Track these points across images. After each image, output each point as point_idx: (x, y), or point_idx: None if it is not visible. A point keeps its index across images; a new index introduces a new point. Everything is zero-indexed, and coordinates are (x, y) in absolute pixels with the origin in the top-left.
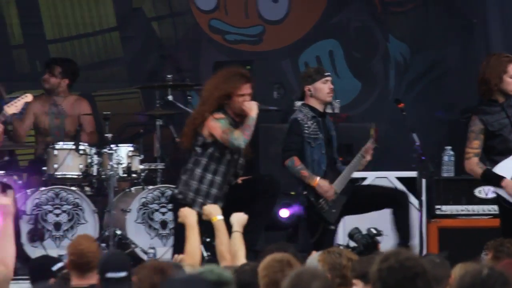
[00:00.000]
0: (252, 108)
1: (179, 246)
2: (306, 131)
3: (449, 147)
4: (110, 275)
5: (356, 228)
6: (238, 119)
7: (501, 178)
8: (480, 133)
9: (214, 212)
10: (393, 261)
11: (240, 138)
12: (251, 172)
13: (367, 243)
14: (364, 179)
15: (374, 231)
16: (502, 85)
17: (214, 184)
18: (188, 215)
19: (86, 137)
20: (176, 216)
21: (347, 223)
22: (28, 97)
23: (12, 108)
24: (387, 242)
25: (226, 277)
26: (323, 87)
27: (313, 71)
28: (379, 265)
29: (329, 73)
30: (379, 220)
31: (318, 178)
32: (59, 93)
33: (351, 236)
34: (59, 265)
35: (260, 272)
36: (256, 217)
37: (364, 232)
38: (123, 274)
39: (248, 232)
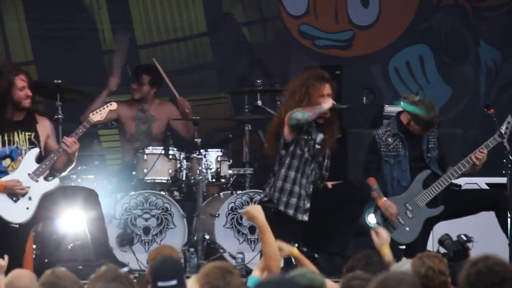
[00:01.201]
0: (327, 102)
1: None
2: (384, 149)
3: None
4: (161, 284)
5: (447, 235)
6: (320, 121)
7: None
8: None
9: (258, 213)
10: (481, 265)
11: (299, 112)
12: (341, 177)
13: (457, 249)
14: (459, 185)
15: (464, 238)
16: None
17: (296, 182)
18: (257, 215)
19: (184, 131)
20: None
21: (437, 230)
22: (113, 105)
23: (97, 115)
24: (478, 249)
25: (318, 282)
26: (419, 132)
27: (426, 120)
28: (468, 269)
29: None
30: (470, 226)
31: (384, 199)
32: (147, 101)
33: (441, 242)
34: (125, 269)
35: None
36: (345, 222)
37: (454, 238)
38: (173, 282)
39: (338, 237)
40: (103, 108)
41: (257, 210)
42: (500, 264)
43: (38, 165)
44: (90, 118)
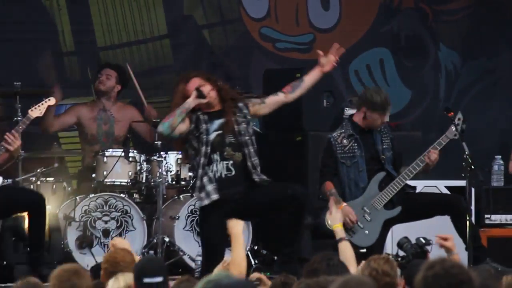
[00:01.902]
0: (191, 94)
1: (207, 255)
2: (339, 151)
3: (499, 156)
4: (147, 280)
5: (405, 238)
6: (209, 109)
7: None
8: None
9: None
10: (438, 268)
11: (159, 126)
12: (301, 180)
13: (416, 252)
14: (414, 187)
15: (423, 241)
16: None
17: (204, 177)
18: (235, 225)
19: (148, 135)
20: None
21: (395, 232)
22: (51, 101)
23: (36, 111)
24: (435, 252)
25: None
26: (378, 120)
27: (380, 102)
28: (425, 272)
29: (389, 112)
30: (428, 229)
31: (343, 204)
32: (110, 98)
33: (400, 245)
34: None
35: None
36: (293, 227)
37: (413, 241)
38: (159, 279)
39: (289, 241)
40: (42, 104)
41: (234, 221)
42: (457, 267)
43: None
44: (29, 115)
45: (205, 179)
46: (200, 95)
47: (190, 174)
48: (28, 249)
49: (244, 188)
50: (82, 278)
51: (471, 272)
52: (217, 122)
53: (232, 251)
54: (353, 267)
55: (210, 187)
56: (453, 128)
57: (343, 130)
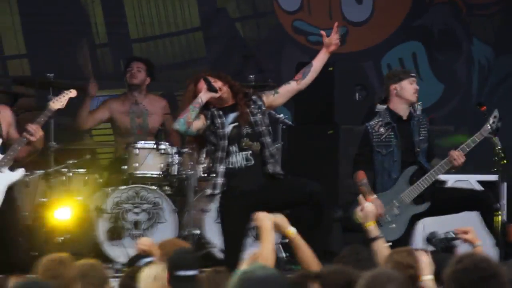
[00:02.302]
0: (203, 90)
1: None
2: (376, 139)
3: None
4: (181, 273)
5: (434, 232)
6: (222, 105)
7: None
8: None
9: (283, 224)
10: (467, 262)
11: (175, 124)
12: (333, 173)
13: (445, 247)
14: (444, 182)
15: (452, 235)
16: None
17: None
18: (263, 219)
19: (171, 136)
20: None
21: (427, 226)
22: (73, 93)
23: (57, 103)
24: (465, 246)
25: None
26: (409, 87)
27: (400, 70)
28: (454, 266)
29: (415, 74)
30: (458, 223)
31: (372, 196)
32: (142, 91)
33: (429, 240)
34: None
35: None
36: (312, 226)
37: (442, 236)
38: (194, 272)
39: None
40: (63, 96)
41: (265, 215)
42: (486, 261)
43: (2, 156)
44: (51, 107)
45: (219, 171)
46: (211, 88)
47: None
48: None
49: (264, 180)
50: (67, 267)
51: (500, 267)
52: (232, 115)
53: (261, 244)
54: None
55: (219, 180)
56: (488, 126)
57: (381, 119)
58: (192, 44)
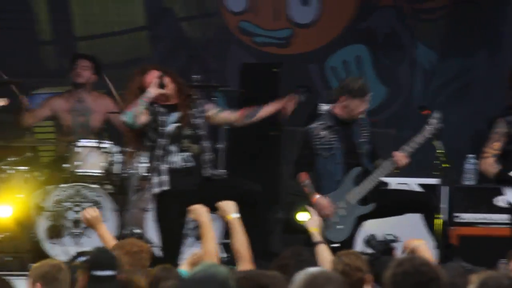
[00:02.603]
0: (152, 84)
1: (166, 245)
2: (317, 142)
3: (472, 155)
4: (97, 273)
5: (372, 235)
6: (168, 102)
7: None
8: (503, 136)
9: (229, 210)
10: (408, 265)
11: (122, 116)
12: (275, 175)
13: (383, 249)
14: (386, 184)
15: (390, 237)
16: None
17: (156, 169)
18: (202, 213)
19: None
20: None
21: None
22: (3, 101)
23: None
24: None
25: (222, 274)
26: (359, 107)
27: (359, 87)
28: (394, 269)
29: (370, 94)
30: (396, 226)
31: (317, 196)
32: (86, 89)
33: (367, 242)
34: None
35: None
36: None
37: (380, 238)
38: (110, 272)
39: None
40: None
41: (202, 209)
42: (426, 265)
43: None
44: None
45: (161, 169)
46: (161, 84)
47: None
48: None
49: (201, 181)
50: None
51: (439, 270)
52: (175, 115)
53: (203, 242)
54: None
55: (164, 178)
56: (429, 128)
57: (322, 122)
58: (137, 43)
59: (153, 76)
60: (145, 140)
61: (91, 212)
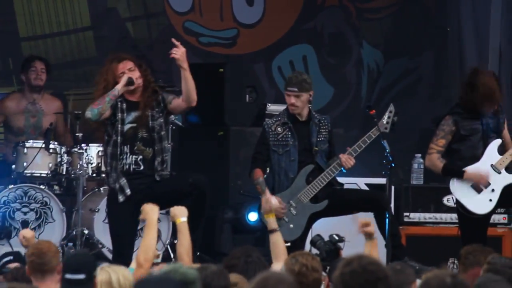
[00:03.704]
0: (121, 80)
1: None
2: (272, 139)
3: (419, 155)
4: (68, 276)
5: (318, 235)
6: (133, 98)
7: (462, 170)
8: (449, 133)
9: (180, 214)
10: (355, 265)
11: (88, 111)
12: (223, 174)
13: (329, 249)
14: (342, 184)
15: (336, 238)
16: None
17: (112, 168)
18: (150, 211)
19: (62, 137)
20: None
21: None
22: None
23: None
24: (352, 249)
25: (191, 276)
26: (287, 100)
27: (286, 79)
28: (342, 269)
29: (293, 89)
30: (342, 226)
31: (268, 195)
32: (40, 91)
33: (313, 243)
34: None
35: None
36: (194, 215)
37: (326, 238)
38: (81, 276)
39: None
40: None
41: (152, 208)
42: (374, 264)
43: None
44: None
45: (118, 170)
46: (130, 82)
47: None
48: None
49: (150, 180)
50: None
51: (387, 269)
52: (133, 114)
53: (143, 237)
54: (283, 260)
55: (123, 181)
56: (384, 120)
57: (279, 118)
58: (82, 43)
59: (126, 66)
60: (104, 133)
61: (27, 233)
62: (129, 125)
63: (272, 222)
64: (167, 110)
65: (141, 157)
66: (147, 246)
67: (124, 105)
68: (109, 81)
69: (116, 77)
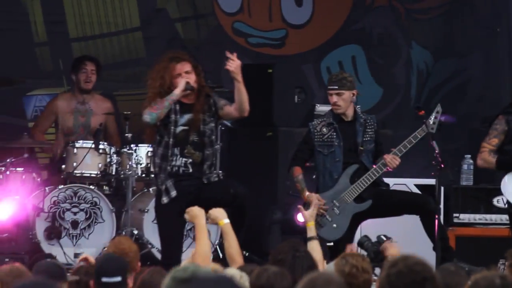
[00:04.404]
0: (179, 85)
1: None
2: (317, 139)
3: (469, 156)
4: (105, 279)
5: (366, 236)
6: (187, 101)
7: None
8: (502, 133)
9: (220, 215)
10: (401, 265)
11: (147, 115)
12: (272, 176)
13: (377, 250)
14: (388, 185)
15: (384, 238)
16: None
17: (162, 168)
18: (198, 215)
19: (111, 138)
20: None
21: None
22: None
23: None
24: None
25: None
26: (329, 98)
27: (328, 79)
28: (388, 270)
29: (334, 87)
30: (394, 228)
31: (307, 193)
32: (89, 92)
33: (360, 244)
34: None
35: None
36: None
37: (374, 239)
38: (118, 279)
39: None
40: None
41: (199, 211)
42: (420, 264)
43: None
44: None
45: (166, 171)
46: (189, 88)
47: None
48: None
49: (197, 183)
50: (24, 277)
51: (434, 269)
52: (186, 117)
53: (196, 242)
54: (320, 267)
55: (169, 183)
56: (431, 121)
57: (324, 118)
58: (131, 44)
59: (183, 68)
60: (156, 134)
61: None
62: (181, 128)
63: (311, 230)
64: (218, 116)
65: (190, 160)
66: (203, 251)
67: (178, 107)
68: (166, 80)
69: (172, 77)
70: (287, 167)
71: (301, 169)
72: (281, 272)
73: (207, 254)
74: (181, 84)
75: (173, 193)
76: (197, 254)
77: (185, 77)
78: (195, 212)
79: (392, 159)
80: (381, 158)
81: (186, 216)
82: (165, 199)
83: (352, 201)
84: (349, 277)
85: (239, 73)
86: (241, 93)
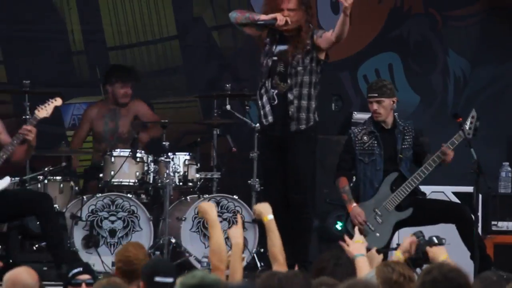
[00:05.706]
0: (267, 16)
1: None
2: (358, 147)
3: (507, 163)
4: (158, 279)
5: (420, 232)
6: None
7: None
8: None
9: (265, 211)
10: (436, 273)
11: (232, 12)
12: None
13: (425, 251)
14: (424, 193)
15: (436, 240)
16: None
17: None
18: (208, 210)
19: (149, 133)
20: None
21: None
22: (58, 101)
23: (43, 112)
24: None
25: (210, 280)
26: (370, 106)
27: (367, 87)
28: (423, 277)
29: (374, 94)
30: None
31: (354, 205)
32: (125, 106)
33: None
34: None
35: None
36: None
37: (426, 238)
38: (170, 279)
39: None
40: (48, 104)
41: (209, 206)
42: (454, 271)
43: None
44: (36, 115)
45: (264, 98)
46: (268, 24)
47: (198, 175)
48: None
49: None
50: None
51: (468, 276)
52: (280, 47)
53: (210, 238)
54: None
55: (267, 108)
56: (467, 126)
57: (365, 126)
58: (168, 53)
59: (288, 6)
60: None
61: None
62: (273, 58)
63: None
64: (315, 45)
65: (276, 91)
66: (217, 246)
67: (278, 36)
68: (267, 9)
69: (277, 5)
70: (328, 181)
71: (347, 180)
72: (294, 274)
73: (222, 248)
74: (269, 16)
75: (270, 118)
76: (211, 249)
77: (286, 14)
78: (205, 208)
79: (447, 149)
80: (428, 156)
81: (198, 210)
82: (264, 121)
83: (394, 210)
84: (396, 285)
85: (350, 8)
86: (345, 25)
